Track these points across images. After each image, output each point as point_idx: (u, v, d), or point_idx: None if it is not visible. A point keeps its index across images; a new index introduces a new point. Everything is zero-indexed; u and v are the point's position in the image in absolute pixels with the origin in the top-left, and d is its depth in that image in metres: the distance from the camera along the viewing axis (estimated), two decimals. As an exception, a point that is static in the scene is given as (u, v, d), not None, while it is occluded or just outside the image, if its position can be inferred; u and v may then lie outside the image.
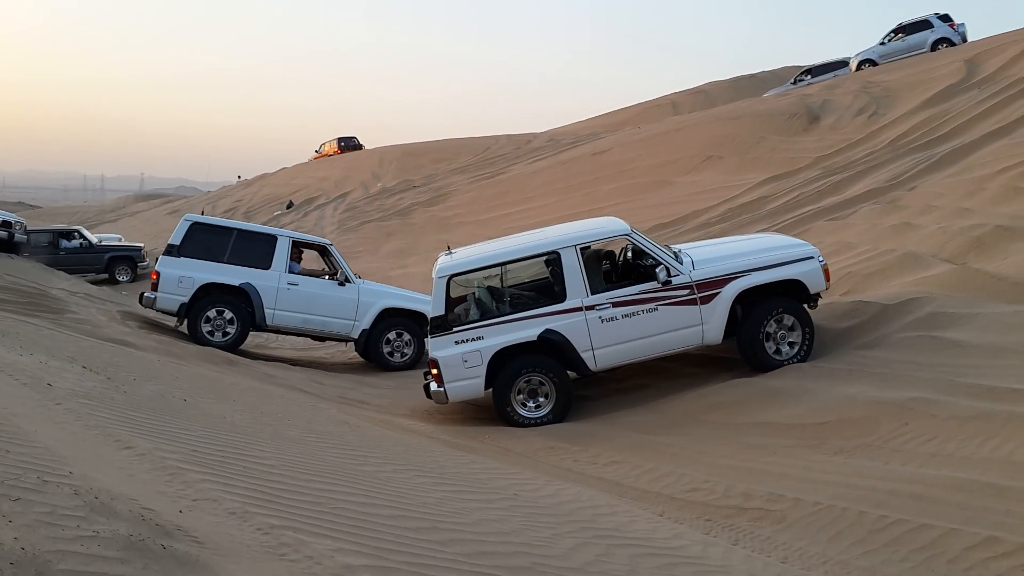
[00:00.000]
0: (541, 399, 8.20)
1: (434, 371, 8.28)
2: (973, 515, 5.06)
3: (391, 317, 11.90)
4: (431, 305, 8.37)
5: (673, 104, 49.12)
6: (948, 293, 9.27)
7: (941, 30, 28.45)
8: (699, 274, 8.31)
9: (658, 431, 7.51)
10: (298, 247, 12.22)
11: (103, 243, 24.96)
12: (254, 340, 13.54)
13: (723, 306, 8.22)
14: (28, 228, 17.76)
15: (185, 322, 11.59)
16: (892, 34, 29.86)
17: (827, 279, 8.46)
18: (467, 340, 8.17)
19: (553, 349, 8.15)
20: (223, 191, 48.21)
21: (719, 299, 8.22)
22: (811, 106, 23.06)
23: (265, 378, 9.59)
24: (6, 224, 19.96)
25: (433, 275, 8.40)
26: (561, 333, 8.12)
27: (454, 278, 8.32)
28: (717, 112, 28.43)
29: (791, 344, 8.32)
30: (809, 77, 32.39)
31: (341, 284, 11.87)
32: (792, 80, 34.25)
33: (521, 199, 24.57)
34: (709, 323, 8.26)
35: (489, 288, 8.69)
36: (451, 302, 8.29)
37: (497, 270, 8.61)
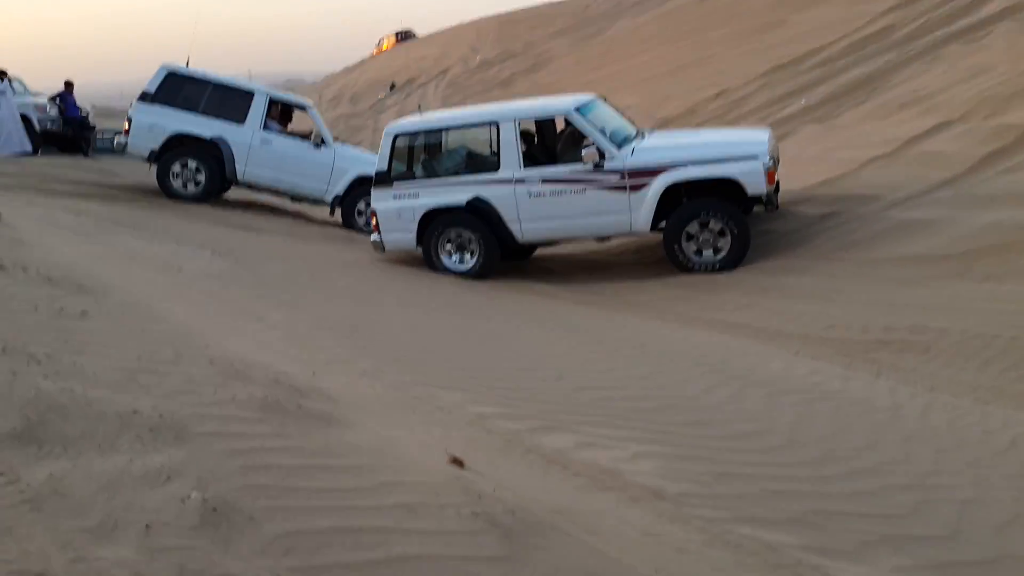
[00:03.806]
0: (467, 255, 8.40)
1: (373, 221, 8.68)
2: None
3: (366, 185, 10.64)
4: (377, 160, 8.77)
5: (783, -64, 45.80)
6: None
7: None
8: (633, 162, 7.89)
9: (787, 273, 7.21)
10: (276, 104, 11.76)
11: None
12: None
13: (652, 197, 7.77)
14: None
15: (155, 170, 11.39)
16: None
17: (770, 181, 7.69)
18: (404, 196, 8.47)
19: (481, 216, 8.28)
20: (328, 80, 48.55)
21: (649, 189, 7.78)
22: (938, -80, 21.00)
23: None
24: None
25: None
26: (489, 202, 8.23)
27: (400, 137, 8.66)
28: (832, -62, 26.31)
29: (716, 249, 7.72)
30: None
31: (316, 146, 11.37)
32: None
33: (625, 56, 23.64)
34: (637, 212, 7.85)
35: (447, 150, 8.86)
36: (395, 159, 8.60)
37: (457, 134, 8.88)
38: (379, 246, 8.68)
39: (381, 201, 8.58)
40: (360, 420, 3.21)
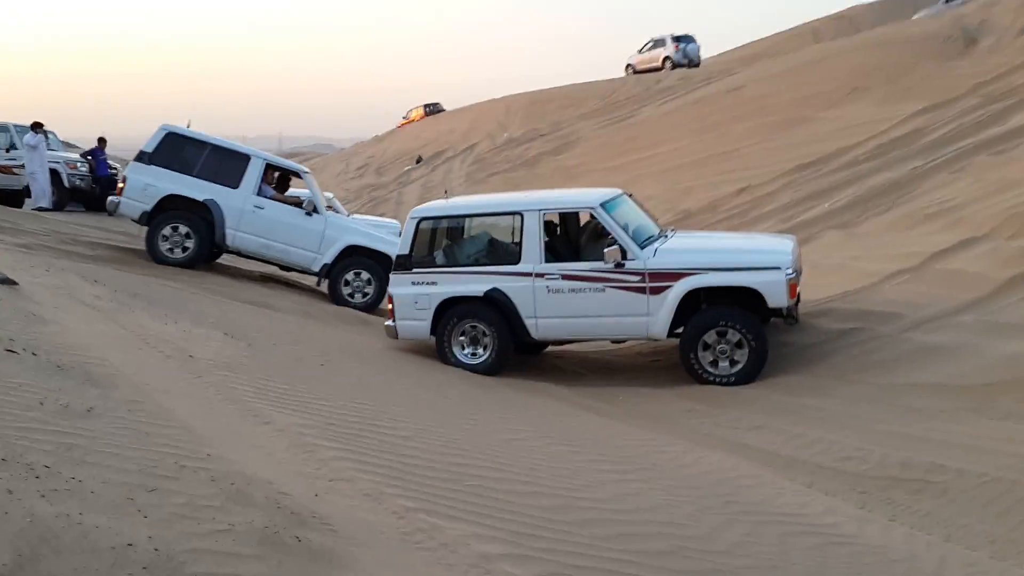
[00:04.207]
0: (480, 349, 8.33)
1: (389, 306, 8.68)
2: None
3: (355, 255, 11.26)
4: (399, 243, 8.80)
5: (813, 32, 46.59)
6: None
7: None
8: (655, 263, 7.82)
9: (804, 392, 7.09)
10: (272, 170, 11.80)
11: None
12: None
13: (671, 301, 7.70)
14: None
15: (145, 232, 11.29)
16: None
17: (792, 294, 7.62)
18: (422, 283, 8.47)
19: (497, 308, 8.23)
20: (356, 148, 49.21)
21: (669, 293, 7.70)
22: (967, 28, 21.37)
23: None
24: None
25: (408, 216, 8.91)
26: (507, 295, 8.19)
27: (424, 220, 8.66)
28: (863, 39, 26.75)
29: (733, 361, 7.58)
30: None
31: (308, 214, 11.23)
32: None
33: (651, 143, 23.85)
34: (655, 316, 7.77)
35: (469, 237, 8.90)
36: (417, 244, 8.59)
37: (480, 221, 8.95)
38: (392, 332, 8.64)
39: (399, 286, 8.56)
40: (359, 559, 3.11)
